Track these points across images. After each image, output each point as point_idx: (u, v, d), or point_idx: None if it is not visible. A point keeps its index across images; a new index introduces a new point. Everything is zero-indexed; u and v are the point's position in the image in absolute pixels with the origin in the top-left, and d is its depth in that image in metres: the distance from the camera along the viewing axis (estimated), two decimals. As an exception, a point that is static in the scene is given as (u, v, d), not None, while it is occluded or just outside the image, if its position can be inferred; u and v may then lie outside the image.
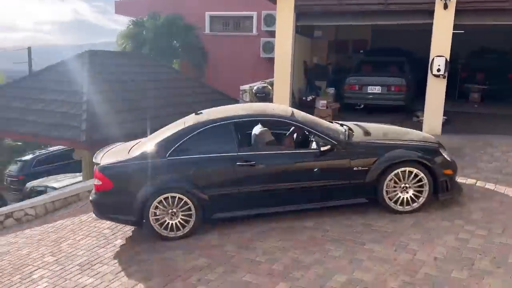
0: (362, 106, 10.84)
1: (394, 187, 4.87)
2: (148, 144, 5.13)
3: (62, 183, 12.12)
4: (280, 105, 6.04)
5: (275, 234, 4.72)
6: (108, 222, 5.70)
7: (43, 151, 17.37)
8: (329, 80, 11.60)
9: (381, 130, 5.75)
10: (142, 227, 5.07)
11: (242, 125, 5.29)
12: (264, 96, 9.80)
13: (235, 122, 5.10)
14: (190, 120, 5.32)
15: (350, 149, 4.99)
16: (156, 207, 4.83)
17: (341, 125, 5.70)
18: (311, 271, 3.85)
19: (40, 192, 11.88)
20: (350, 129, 5.48)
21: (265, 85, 10.03)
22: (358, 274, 3.72)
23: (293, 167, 4.98)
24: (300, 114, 5.47)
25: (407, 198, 4.90)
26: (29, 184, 13.39)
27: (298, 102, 10.04)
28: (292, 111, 5.45)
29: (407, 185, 4.87)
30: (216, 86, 15.17)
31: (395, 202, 4.91)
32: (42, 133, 8.98)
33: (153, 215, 4.84)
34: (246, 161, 4.87)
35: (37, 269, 5.00)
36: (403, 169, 4.83)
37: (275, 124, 5.38)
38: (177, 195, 4.82)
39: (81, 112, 9.12)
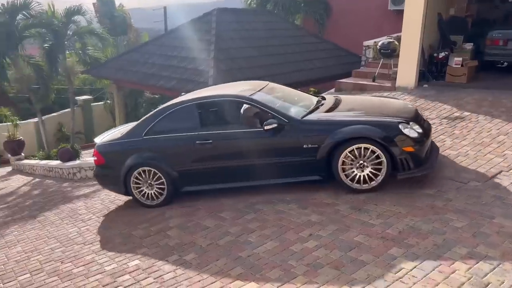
0: (505, 64, 9.51)
1: (351, 164, 4.77)
2: (133, 125, 5.95)
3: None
4: (261, 82, 6.16)
5: (390, 199, 4.59)
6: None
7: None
8: (467, 34, 10.32)
9: (352, 104, 5.67)
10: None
11: (206, 106, 5.64)
12: (389, 52, 9.18)
13: (197, 104, 5.58)
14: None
15: (300, 126, 5.04)
16: (136, 178, 5.66)
17: (322, 98, 5.92)
18: (428, 239, 3.67)
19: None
20: (319, 103, 5.60)
21: (391, 40, 9.35)
22: (481, 249, 3.44)
23: (245, 145, 5.22)
24: (270, 92, 5.71)
25: (364, 176, 4.77)
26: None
27: (428, 59, 9.21)
28: (254, 91, 5.49)
29: (364, 162, 4.73)
30: (337, 42, 14.66)
31: (352, 180, 4.81)
32: (174, 87, 9.83)
33: (134, 185, 5.71)
34: (204, 139, 5.32)
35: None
36: (358, 145, 4.70)
37: (235, 103, 5.48)
38: (152, 169, 5.55)
39: (208, 69, 9.70)
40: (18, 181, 10.70)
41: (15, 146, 15.93)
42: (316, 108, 5.47)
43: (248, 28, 12.28)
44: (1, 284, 4.46)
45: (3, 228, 6.59)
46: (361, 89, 9.30)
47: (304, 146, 4.94)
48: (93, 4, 20.50)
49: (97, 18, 20.65)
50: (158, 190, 5.66)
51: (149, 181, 5.64)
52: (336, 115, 5.21)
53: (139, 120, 5.97)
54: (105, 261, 4.46)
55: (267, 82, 6.20)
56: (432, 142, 5.40)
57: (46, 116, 22.39)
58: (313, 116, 5.22)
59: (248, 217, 4.80)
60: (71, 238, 5.41)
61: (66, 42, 14.53)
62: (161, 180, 5.58)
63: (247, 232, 4.43)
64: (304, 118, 5.15)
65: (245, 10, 16.11)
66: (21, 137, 16.02)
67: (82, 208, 6.71)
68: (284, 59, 11.80)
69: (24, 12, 13.19)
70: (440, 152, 5.54)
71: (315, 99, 5.90)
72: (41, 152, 14.33)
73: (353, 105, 5.64)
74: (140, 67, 11.39)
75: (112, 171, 5.85)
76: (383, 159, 4.66)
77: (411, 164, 4.70)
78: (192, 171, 5.52)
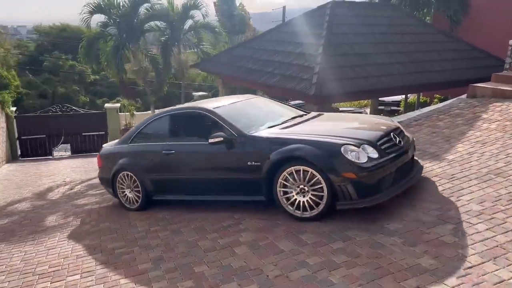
0: None
1: (290, 187, 4.31)
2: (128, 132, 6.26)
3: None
4: (247, 96, 6.13)
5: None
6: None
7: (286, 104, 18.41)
8: None
9: (323, 121, 5.28)
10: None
11: (175, 118, 5.67)
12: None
13: (170, 115, 5.71)
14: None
15: (247, 142, 4.70)
16: (119, 183, 5.99)
17: (304, 114, 5.58)
18: None
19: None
20: (289, 119, 5.25)
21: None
22: None
23: (201, 158, 5.15)
24: (246, 106, 5.63)
25: (305, 202, 4.26)
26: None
27: None
28: (223, 104, 5.44)
29: (305, 187, 4.22)
30: (475, 41, 12.45)
31: (292, 204, 4.35)
32: (276, 84, 9.07)
33: (119, 188, 6.05)
34: (169, 150, 5.37)
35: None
36: (297, 167, 4.22)
37: (198, 115, 5.33)
38: (130, 174, 5.80)
39: (314, 65, 8.73)
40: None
41: (130, 134, 16.92)
42: (279, 124, 5.04)
43: (365, 23, 10.96)
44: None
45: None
46: (503, 96, 7.45)
47: (248, 163, 4.60)
48: (214, 2, 20.92)
49: (217, 17, 21.02)
50: (136, 195, 5.86)
51: (130, 186, 5.88)
52: (286, 133, 4.70)
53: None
54: (155, 276, 3.79)
55: (255, 96, 6.37)
56: (412, 165, 4.80)
57: (167, 109, 23.69)
58: (263, 133, 4.79)
59: (334, 246, 3.74)
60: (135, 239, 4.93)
61: (181, 36, 14.86)
62: (138, 187, 5.78)
63: (329, 268, 3.38)
64: (253, 134, 4.77)
65: (365, 4, 14.74)
66: (135, 127, 16.98)
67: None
68: (405, 58, 10.24)
69: (145, 5, 13.74)
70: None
71: (293, 115, 5.47)
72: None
73: (321, 123, 5.21)
74: (244, 62, 10.88)
75: (106, 174, 6.24)
76: (323, 184, 4.09)
77: (353, 193, 4.06)
78: (161, 180, 5.61)
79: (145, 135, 5.88)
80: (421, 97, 16.08)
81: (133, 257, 4.28)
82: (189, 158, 5.31)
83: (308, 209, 4.26)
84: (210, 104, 5.53)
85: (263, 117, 5.35)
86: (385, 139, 4.41)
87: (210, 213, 5.10)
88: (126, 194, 6.00)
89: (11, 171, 13.65)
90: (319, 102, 8.47)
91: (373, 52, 9.95)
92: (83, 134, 20.52)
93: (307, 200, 4.25)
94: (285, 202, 4.39)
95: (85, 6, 13.99)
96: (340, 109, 18.81)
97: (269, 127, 4.93)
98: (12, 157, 18.06)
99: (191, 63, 14.94)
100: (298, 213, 4.33)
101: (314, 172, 4.12)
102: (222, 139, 4.78)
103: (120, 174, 5.92)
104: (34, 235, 5.62)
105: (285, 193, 4.36)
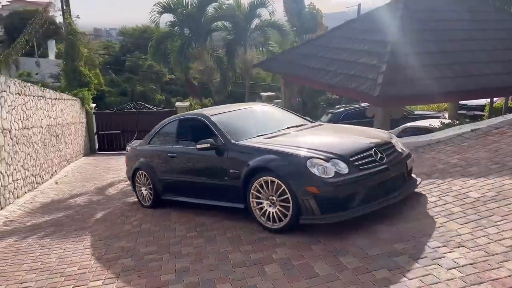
0: None
1: (262, 197, 4.32)
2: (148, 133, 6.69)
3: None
4: (256, 104, 6.55)
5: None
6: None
7: (355, 106, 17.48)
8: None
9: (313, 132, 5.18)
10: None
11: (182, 123, 6.03)
12: None
13: (178, 120, 6.10)
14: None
15: (232, 149, 4.82)
16: (137, 181, 6.49)
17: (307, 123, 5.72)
18: None
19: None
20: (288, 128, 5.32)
21: None
22: None
23: (196, 163, 5.40)
24: (248, 114, 5.84)
25: (273, 213, 4.25)
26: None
27: None
28: (222, 112, 5.66)
29: (274, 198, 4.20)
30: None
31: (264, 215, 4.35)
32: (338, 84, 8.46)
33: (137, 186, 6.54)
34: (172, 153, 5.74)
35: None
36: (266, 178, 4.23)
37: (198, 121, 5.59)
38: (144, 173, 6.26)
39: (381, 64, 7.99)
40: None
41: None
42: (269, 133, 5.07)
43: (443, 18, 9.90)
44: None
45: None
46: None
47: (231, 171, 4.73)
48: (283, 1, 20.54)
49: (285, 16, 20.65)
50: (150, 193, 6.28)
51: (145, 184, 6.32)
52: (266, 143, 4.69)
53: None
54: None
55: (265, 104, 6.73)
56: (404, 181, 4.56)
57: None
58: (247, 142, 4.85)
59: (378, 275, 3.16)
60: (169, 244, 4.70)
61: (247, 36, 14.68)
62: (150, 185, 6.20)
63: (366, 303, 2.83)
64: (237, 142, 4.87)
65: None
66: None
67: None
68: (490, 57, 9.07)
69: (213, 4, 13.74)
70: None
71: (293, 125, 5.47)
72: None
73: (310, 134, 5.09)
74: (307, 61, 10.38)
75: (129, 172, 6.83)
76: (289, 196, 4.07)
77: (315, 208, 3.98)
78: (168, 181, 5.94)
79: (159, 138, 6.34)
80: (510, 101, 14.33)
81: (160, 265, 4.03)
82: (187, 162, 5.57)
83: (277, 220, 4.27)
84: (211, 111, 5.84)
85: (260, 126, 5.42)
86: (363, 154, 4.25)
87: (250, 222, 4.72)
88: (142, 191, 6.46)
89: (84, 164, 14.44)
90: (384, 104, 7.73)
91: (452, 50, 8.94)
92: (155, 131, 21.25)
93: (275, 211, 4.25)
94: (258, 212, 4.42)
95: (154, 5, 14.38)
96: (415, 112, 17.47)
97: (258, 136, 5.00)
98: (90, 151, 19.18)
99: (256, 63, 14.74)
100: (269, 224, 4.35)
101: (281, 183, 4.12)
102: (209, 145, 4.97)
103: (138, 173, 6.44)
104: (79, 231, 5.65)
105: (259, 203, 4.39)
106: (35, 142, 10.36)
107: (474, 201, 4.23)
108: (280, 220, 4.22)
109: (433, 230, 3.79)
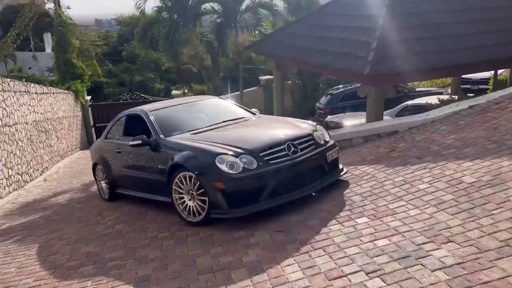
0: None
1: (183, 192, 4.47)
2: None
3: (354, 121, 11.14)
4: (198, 97, 6.92)
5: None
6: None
7: (355, 86, 16.91)
8: None
9: (242, 126, 5.24)
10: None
11: (127, 119, 6.09)
12: None
13: (125, 116, 6.16)
14: None
15: (161, 145, 4.96)
16: (96, 175, 6.82)
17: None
18: None
19: (334, 128, 11.40)
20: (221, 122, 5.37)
21: None
22: None
23: (133, 158, 5.65)
24: (189, 108, 5.91)
25: (193, 207, 4.42)
26: (328, 118, 13.20)
27: None
28: (161, 107, 5.84)
29: (193, 192, 4.36)
30: None
31: (185, 209, 4.50)
32: (328, 64, 7.96)
33: (96, 180, 6.87)
34: (118, 149, 5.99)
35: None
36: (184, 173, 4.40)
37: (139, 117, 5.71)
38: (101, 167, 6.54)
39: (371, 40, 7.46)
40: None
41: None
42: (199, 128, 5.18)
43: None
44: None
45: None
46: None
47: (159, 167, 4.88)
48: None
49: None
50: (107, 187, 6.53)
51: (103, 178, 6.56)
52: (191, 139, 4.81)
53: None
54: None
55: (211, 97, 6.68)
56: (323, 172, 4.66)
57: (232, 93, 23.29)
58: (175, 137, 4.99)
59: (354, 279, 2.77)
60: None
61: (238, 18, 14.10)
62: (106, 179, 6.45)
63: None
64: (166, 138, 5.00)
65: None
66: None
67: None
68: (493, 26, 8.47)
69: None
70: None
71: (230, 118, 5.52)
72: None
73: (235, 128, 5.16)
74: (297, 41, 9.84)
75: (92, 165, 7.07)
76: (204, 190, 4.24)
77: (222, 203, 4.15)
78: (118, 175, 6.17)
79: (112, 132, 6.44)
80: (514, 73, 13.66)
81: (120, 273, 3.68)
82: (130, 157, 5.72)
83: (196, 214, 4.40)
84: (151, 106, 5.99)
85: (195, 121, 5.50)
86: (274, 149, 4.35)
87: (225, 220, 4.34)
88: (101, 185, 6.70)
89: (78, 159, 14.15)
90: (376, 83, 7.25)
91: (449, 21, 8.35)
92: (151, 120, 20.90)
93: (194, 205, 4.39)
94: (180, 207, 4.56)
95: (138, -9, 13.83)
96: (417, 89, 16.87)
97: (188, 132, 5.10)
98: (88, 144, 18.87)
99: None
100: (190, 217, 4.49)
101: (196, 179, 4.28)
102: (140, 142, 5.14)
103: (96, 167, 6.71)
104: (50, 235, 5.32)
105: (181, 197, 4.52)
106: (19, 140, 10.03)
107: (467, 187, 3.81)
108: (199, 214, 4.36)
109: (420, 223, 3.38)
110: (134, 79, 33.73)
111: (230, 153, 4.22)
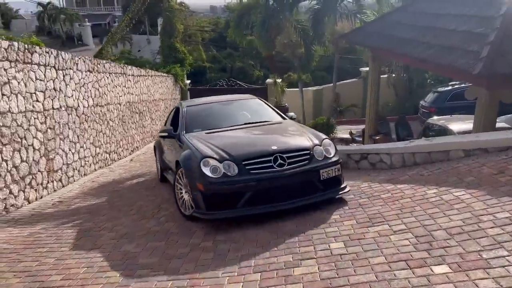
0: None
1: (181, 186, 4.80)
2: None
3: (463, 126, 9.55)
4: (240, 96, 7.13)
5: None
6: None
7: (467, 85, 14.81)
8: None
9: (255, 131, 5.41)
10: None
11: (177, 110, 6.54)
12: None
13: (176, 107, 6.83)
14: None
15: (180, 141, 5.36)
16: (155, 156, 7.79)
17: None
18: None
19: (436, 132, 9.96)
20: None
21: None
22: None
23: (169, 146, 6.36)
24: (223, 106, 6.40)
25: (187, 201, 4.68)
26: (431, 120, 11.62)
27: None
28: (197, 103, 6.46)
29: (188, 188, 4.63)
30: None
31: (182, 201, 4.78)
32: (430, 58, 6.74)
33: (156, 160, 7.84)
34: (164, 137, 6.64)
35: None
36: (181, 169, 4.74)
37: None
38: (154, 153, 7.88)
39: (489, 31, 6.09)
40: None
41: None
42: (218, 128, 5.47)
43: None
44: None
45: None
46: None
47: (176, 160, 5.08)
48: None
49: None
50: (158, 168, 7.52)
51: (156, 161, 7.59)
52: (199, 137, 5.10)
53: None
54: None
55: (249, 96, 6.76)
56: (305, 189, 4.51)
57: (326, 85, 22.28)
58: (191, 134, 5.32)
59: None
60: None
61: (337, 4, 13.06)
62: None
63: None
64: (185, 134, 5.39)
65: None
66: (285, 104, 16.16)
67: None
68: None
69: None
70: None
71: (257, 120, 5.77)
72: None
73: (245, 132, 5.36)
74: (397, 31, 8.62)
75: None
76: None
77: (201, 204, 4.36)
78: (162, 160, 6.93)
79: (168, 121, 7.05)
80: None
81: None
82: (166, 145, 6.53)
83: (189, 208, 4.62)
84: (191, 101, 6.73)
85: (220, 120, 5.79)
86: (260, 159, 4.40)
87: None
88: (157, 166, 7.63)
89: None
90: (489, 85, 5.91)
91: None
92: (245, 107, 20.91)
93: (188, 200, 4.62)
94: (178, 197, 4.86)
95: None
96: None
97: (205, 130, 5.41)
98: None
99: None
100: (183, 209, 4.78)
101: (184, 176, 4.64)
102: (166, 134, 5.86)
103: (156, 150, 7.60)
104: (104, 223, 5.21)
105: (181, 191, 4.78)
106: (110, 119, 10.47)
107: None
108: (192, 208, 4.54)
109: None
110: (235, 66, 34.27)
111: (217, 157, 4.42)
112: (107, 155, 10.20)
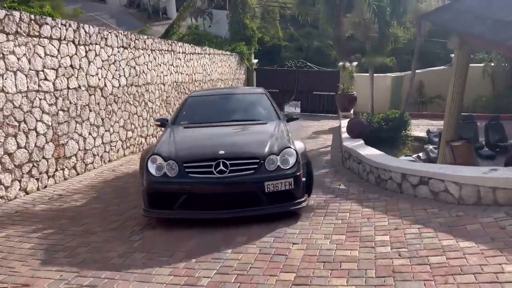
0: None
1: None
2: None
3: None
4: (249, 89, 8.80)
5: None
6: None
7: None
8: None
9: (230, 129, 5.31)
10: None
11: None
12: None
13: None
14: None
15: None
16: None
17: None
18: None
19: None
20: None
21: None
22: None
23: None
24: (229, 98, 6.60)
25: None
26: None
27: None
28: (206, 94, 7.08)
29: None
30: None
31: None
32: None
33: None
34: None
35: None
36: None
37: None
38: None
39: None
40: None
41: (346, 101, 14.37)
42: (205, 122, 5.58)
43: None
44: None
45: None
46: None
47: None
48: None
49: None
50: None
51: None
52: (175, 131, 5.23)
53: None
54: None
55: (257, 90, 7.18)
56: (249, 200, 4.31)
57: (409, 72, 19.76)
58: (174, 126, 5.45)
59: None
60: None
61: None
62: None
63: None
64: (172, 125, 5.53)
65: None
66: (354, 92, 14.25)
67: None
68: None
69: None
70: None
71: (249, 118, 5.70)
72: (377, 113, 11.83)
73: (219, 131, 5.25)
74: (495, 11, 6.50)
75: None
76: None
77: (145, 201, 4.43)
78: None
79: None
80: None
81: None
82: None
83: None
84: (199, 91, 7.46)
85: (214, 114, 5.72)
86: (201, 163, 4.33)
87: None
88: None
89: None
90: None
91: None
92: (313, 92, 19.38)
93: None
94: None
95: None
96: None
97: (188, 123, 5.51)
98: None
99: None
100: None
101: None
102: (159, 123, 5.97)
103: None
104: (84, 237, 4.27)
105: None
106: (149, 101, 9.66)
107: None
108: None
109: None
110: (312, 45, 32.26)
111: (165, 155, 4.41)
112: (143, 139, 9.44)
